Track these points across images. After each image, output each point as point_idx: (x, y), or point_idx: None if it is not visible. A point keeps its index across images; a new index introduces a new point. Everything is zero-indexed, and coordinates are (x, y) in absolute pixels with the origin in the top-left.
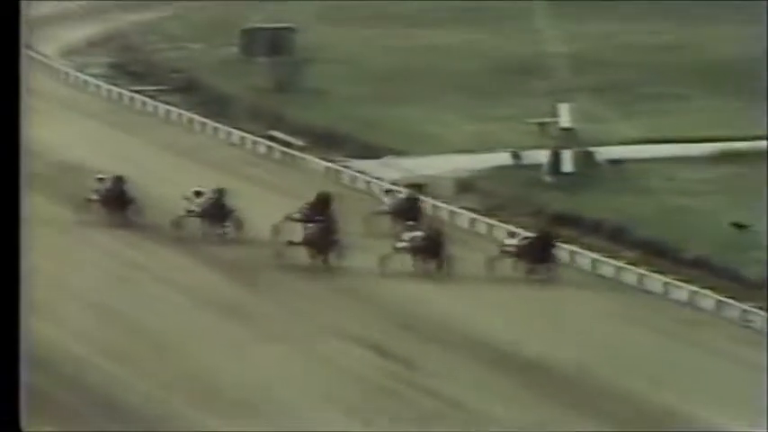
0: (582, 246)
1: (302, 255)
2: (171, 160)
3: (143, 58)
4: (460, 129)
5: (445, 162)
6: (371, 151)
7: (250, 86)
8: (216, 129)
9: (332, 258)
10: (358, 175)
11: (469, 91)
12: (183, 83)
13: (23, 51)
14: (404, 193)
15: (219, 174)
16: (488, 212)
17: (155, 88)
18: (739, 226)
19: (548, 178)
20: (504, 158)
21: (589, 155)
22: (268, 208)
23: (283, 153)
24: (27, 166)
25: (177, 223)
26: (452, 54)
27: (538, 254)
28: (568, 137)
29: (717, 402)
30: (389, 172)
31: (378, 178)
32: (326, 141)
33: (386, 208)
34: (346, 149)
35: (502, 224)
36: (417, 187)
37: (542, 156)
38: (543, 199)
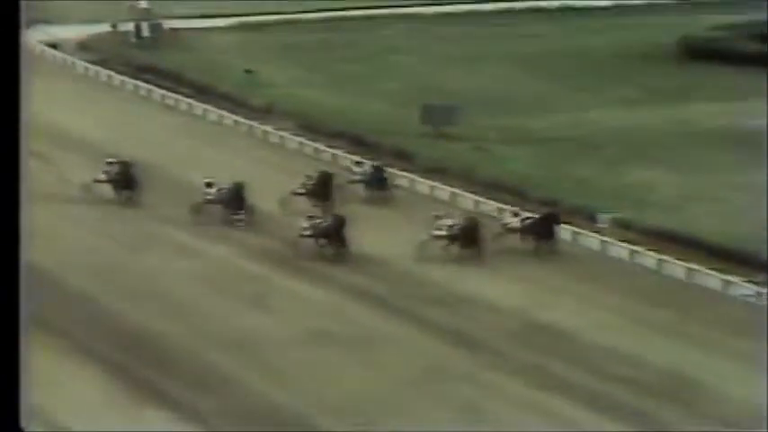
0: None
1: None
2: None
3: None
4: (83, 7)
5: (73, 30)
6: (28, 22)
7: None
8: None
9: (342, 248)
10: None
11: None
12: None
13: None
14: (371, 164)
15: None
16: (99, 64)
17: None
18: (248, 71)
19: (133, 40)
20: (107, 27)
21: (158, 25)
22: None
23: None
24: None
25: (195, 209)
26: None
27: (542, 231)
28: (146, 13)
29: None
30: (39, 35)
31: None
32: None
33: (358, 177)
34: None
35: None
36: (52, 45)
37: (130, 25)
38: (131, 55)
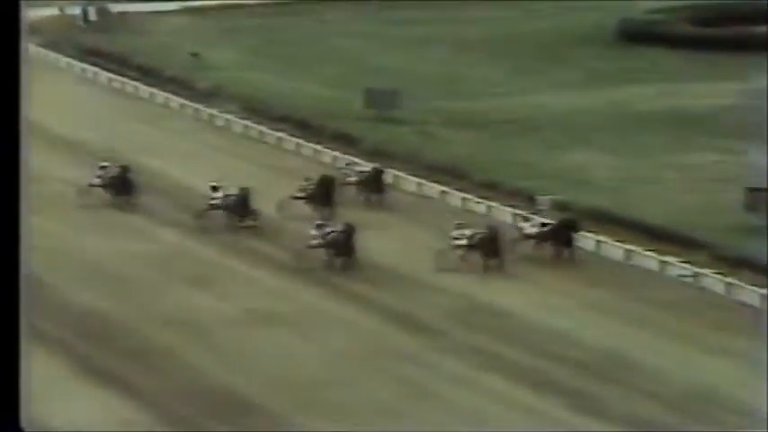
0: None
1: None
2: None
3: None
4: None
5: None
6: None
7: None
8: None
9: (350, 258)
10: None
11: None
12: None
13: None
14: (369, 166)
15: None
16: (46, 47)
17: None
18: (194, 54)
19: (81, 23)
20: (56, 11)
21: (105, 9)
22: None
23: None
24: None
25: (199, 214)
26: None
27: (561, 238)
28: None
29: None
30: None
31: None
32: None
33: (353, 179)
34: None
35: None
36: None
37: (78, 9)
38: (79, 38)
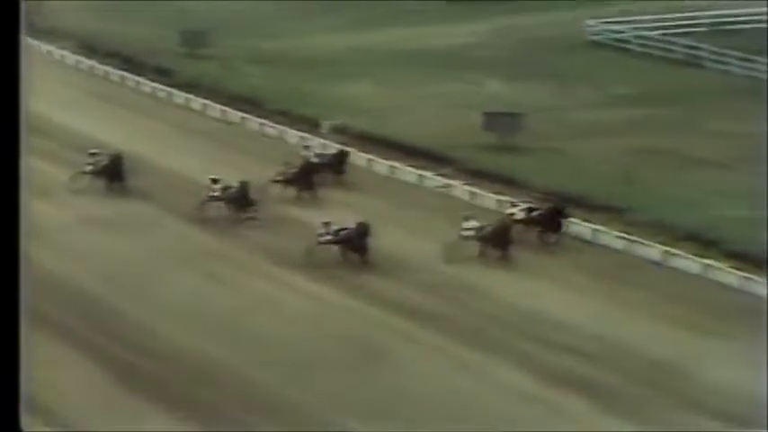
0: None
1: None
2: None
3: None
4: None
5: None
6: None
7: None
8: None
9: (366, 257)
10: None
11: None
12: None
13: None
14: (334, 148)
15: None
16: None
17: None
18: None
19: None
20: None
21: None
22: None
23: None
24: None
25: (201, 207)
26: None
27: (549, 223)
28: None
29: None
30: None
31: None
32: None
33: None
34: None
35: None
36: None
37: None
38: None
